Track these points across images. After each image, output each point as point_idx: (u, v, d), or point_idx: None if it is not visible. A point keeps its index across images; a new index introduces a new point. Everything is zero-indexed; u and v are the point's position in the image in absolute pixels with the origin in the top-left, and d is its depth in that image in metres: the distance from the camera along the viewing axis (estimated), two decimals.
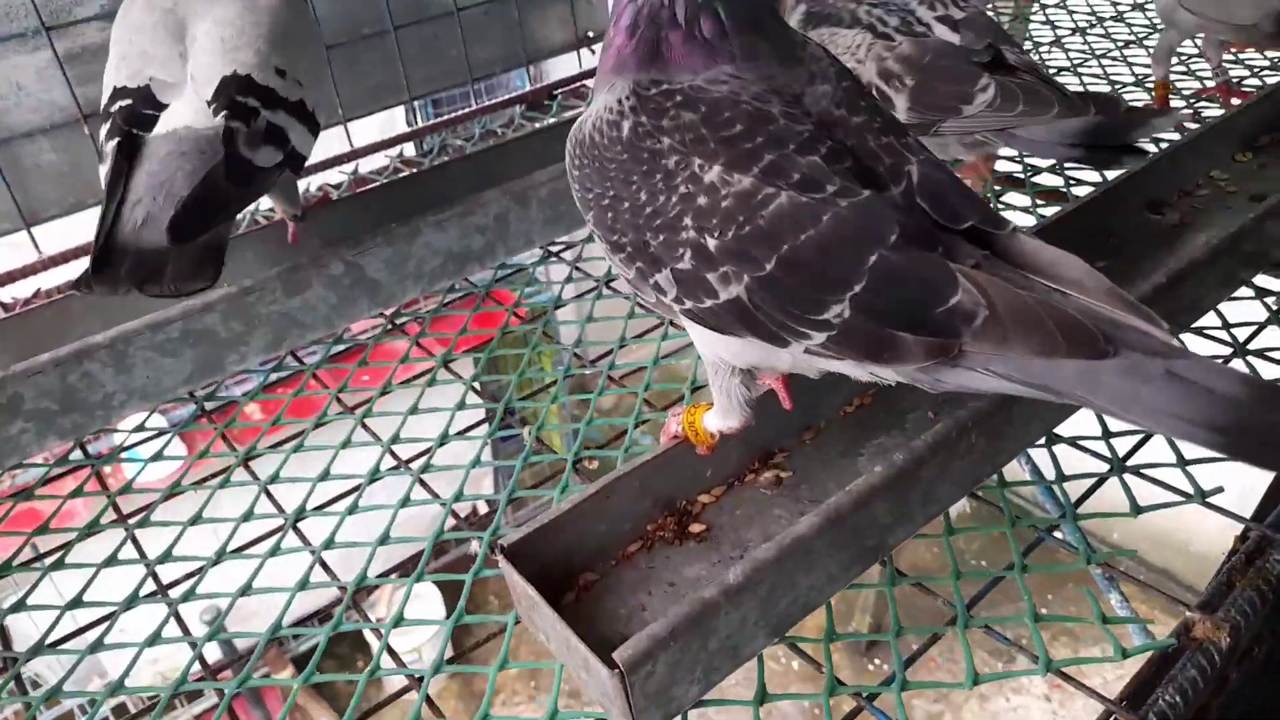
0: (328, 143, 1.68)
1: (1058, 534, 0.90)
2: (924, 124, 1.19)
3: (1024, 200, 1.47)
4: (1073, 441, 1.00)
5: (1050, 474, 0.97)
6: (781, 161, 0.66)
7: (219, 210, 0.98)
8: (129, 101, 1.04)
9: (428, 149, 1.73)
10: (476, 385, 1.16)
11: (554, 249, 1.45)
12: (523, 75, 2.26)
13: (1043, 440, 0.99)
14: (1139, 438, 0.99)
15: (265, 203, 1.50)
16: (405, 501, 1.01)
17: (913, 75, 1.17)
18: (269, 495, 1.03)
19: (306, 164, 1.14)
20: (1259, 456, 0.58)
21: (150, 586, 0.95)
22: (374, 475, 1.05)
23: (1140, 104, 1.73)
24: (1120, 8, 2.25)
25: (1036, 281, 0.65)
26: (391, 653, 0.90)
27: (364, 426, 1.11)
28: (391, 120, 2.07)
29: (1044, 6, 2.30)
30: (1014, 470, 1.05)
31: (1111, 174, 1.42)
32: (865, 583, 0.86)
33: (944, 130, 1.18)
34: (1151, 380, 0.59)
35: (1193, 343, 1.10)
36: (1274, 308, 1.15)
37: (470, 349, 1.34)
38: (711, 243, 0.68)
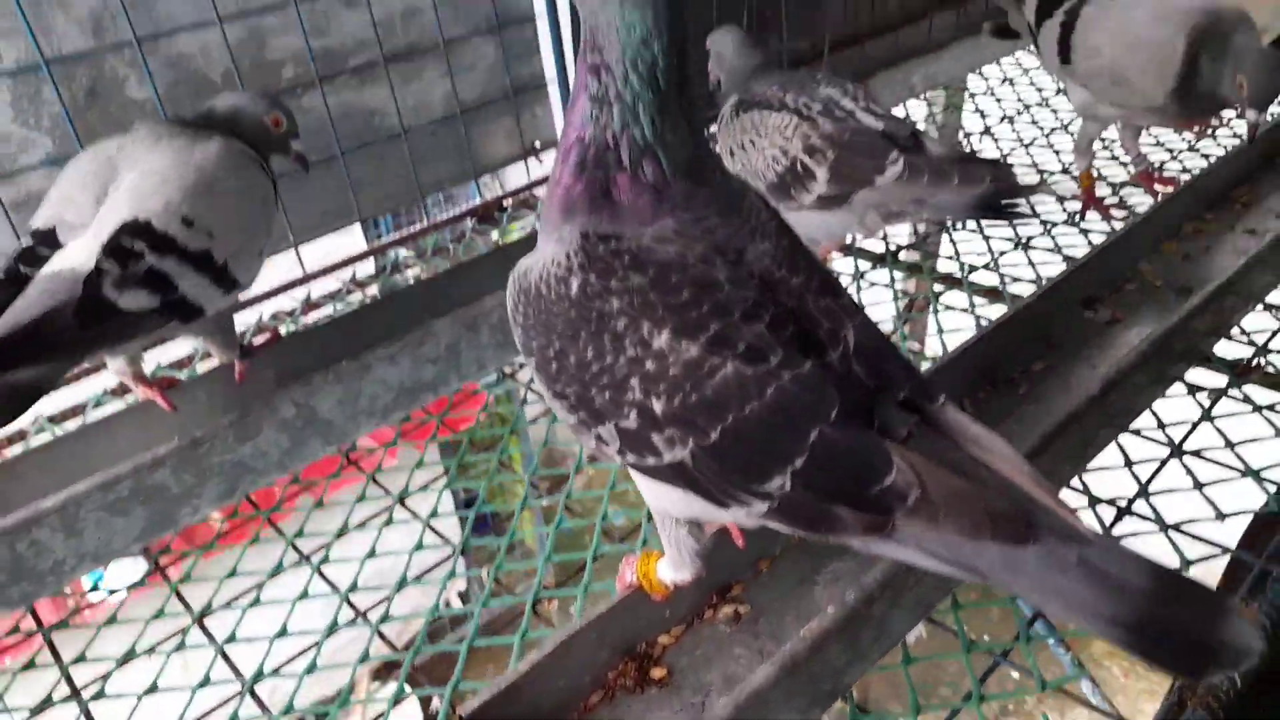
0: (283, 267, 1.70)
1: (1014, 657, 0.91)
2: (841, 194, 1.30)
3: (963, 300, 1.51)
4: None
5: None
6: (727, 331, 0.68)
7: (49, 346, 0.94)
8: (30, 242, 1.03)
9: (380, 266, 1.74)
10: (433, 524, 1.16)
11: (506, 370, 1.46)
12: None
13: None
14: None
15: None
16: (364, 657, 1.00)
17: (833, 150, 1.30)
18: (225, 658, 1.01)
19: (249, 294, 1.12)
20: (1157, 655, 0.59)
21: None
22: (331, 629, 1.04)
23: (1068, 188, 1.81)
24: (1045, 93, 2.35)
25: (965, 455, 0.67)
26: None
27: (320, 575, 1.11)
28: (350, 233, 2.10)
29: (973, 96, 2.40)
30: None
31: (1046, 272, 1.48)
32: None
33: (858, 200, 1.30)
34: (1067, 569, 0.60)
35: (1131, 445, 1.14)
36: (1205, 404, 1.19)
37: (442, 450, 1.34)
38: (658, 406, 0.69)
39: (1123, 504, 1.05)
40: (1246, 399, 1.19)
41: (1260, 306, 1.36)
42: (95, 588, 1.18)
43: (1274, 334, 1.30)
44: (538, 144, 2.08)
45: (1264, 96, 1.29)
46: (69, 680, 1.03)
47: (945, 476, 0.63)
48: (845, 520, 0.65)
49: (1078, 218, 1.69)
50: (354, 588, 1.08)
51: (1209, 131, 2.03)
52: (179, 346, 1.59)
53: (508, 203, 1.97)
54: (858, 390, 0.69)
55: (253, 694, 0.97)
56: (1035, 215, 1.44)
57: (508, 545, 1.13)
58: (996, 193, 1.24)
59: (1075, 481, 1.09)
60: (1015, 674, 0.90)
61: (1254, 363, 1.25)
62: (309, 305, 1.64)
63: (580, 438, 0.77)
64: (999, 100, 2.35)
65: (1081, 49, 1.54)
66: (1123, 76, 1.48)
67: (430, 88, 1.88)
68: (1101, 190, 1.80)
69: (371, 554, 1.13)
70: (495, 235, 1.91)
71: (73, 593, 1.17)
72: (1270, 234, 1.38)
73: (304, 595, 1.09)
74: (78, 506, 1.08)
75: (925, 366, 1.18)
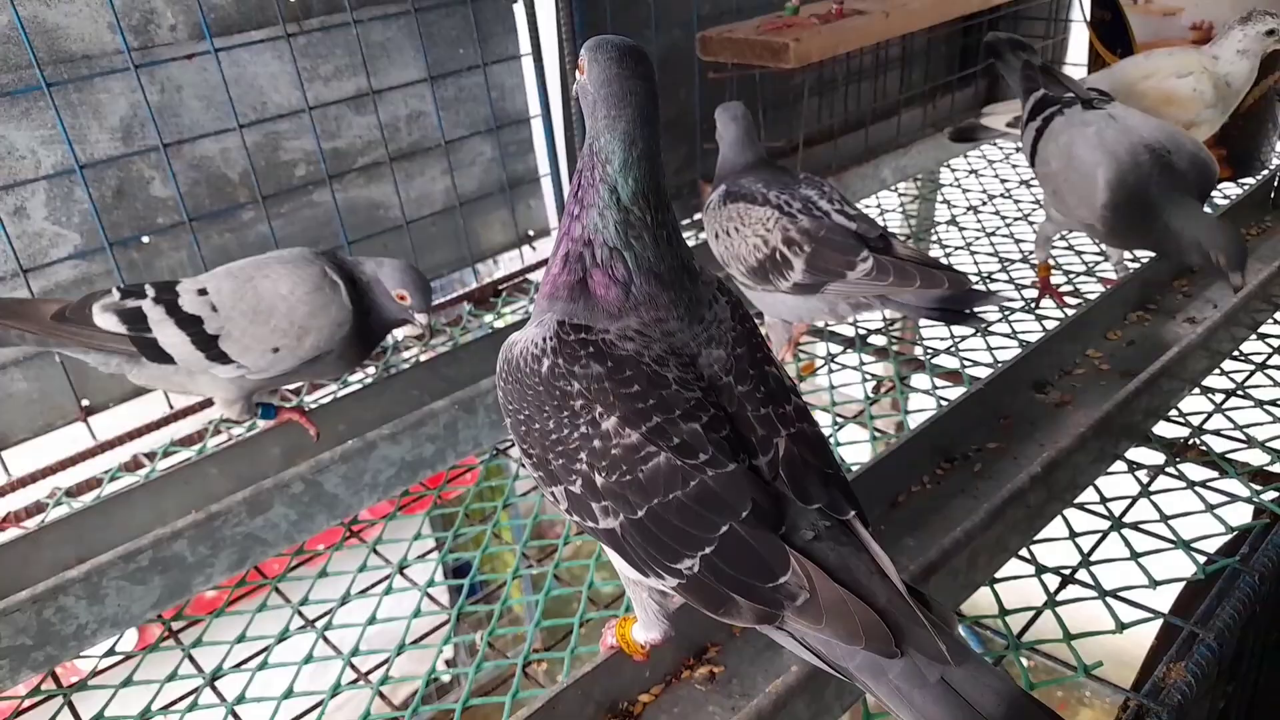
0: None
1: None
2: (815, 284, 1.43)
3: (925, 382, 1.63)
4: (975, 620, 1.11)
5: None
6: (666, 425, 0.78)
7: (29, 319, 1.32)
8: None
9: (381, 348, 1.85)
10: (431, 591, 1.24)
11: (500, 447, 1.56)
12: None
13: None
14: (1030, 615, 1.10)
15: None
16: (366, 716, 1.07)
17: (809, 244, 1.42)
18: (235, 717, 1.09)
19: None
20: None
21: None
22: (335, 690, 1.11)
23: (1028, 275, 1.93)
24: (1008, 185, 2.51)
25: (864, 565, 0.76)
26: None
27: (325, 640, 1.18)
28: None
29: (940, 187, 2.56)
30: None
31: (1003, 356, 1.59)
32: None
33: (830, 290, 1.42)
34: (925, 686, 0.69)
35: (1075, 518, 1.24)
36: (1144, 480, 1.29)
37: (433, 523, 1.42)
38: (599, 479, 0.79)
39: (1066, 572, 1.14)
40: (1181, 476, 1.29)
41: (1196, 390, 1.48)
42: (111, 651, 1.25)
43: (1209, 415, 1.41)
44: (531, 233, 2.22)
45: (1239, 261, 1.42)
46: None
47: (833, 586, 0.73)
48: (741, 607, 0.75)
49: (1033, 305, 1.82)
50: (355, 651, 1.16)
51: None
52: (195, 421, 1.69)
53: (502, 288, 2.09)
54: (775, 496, 0.78)
55: None
56: (980, 320, 1.52)
57: (499, 613, 1.21)
58: (952, 297, 1.36)
59: (1024, 552, 1.18)
60: None
61: (1190, 442, 1.36)
62: (313, 384, 1.74)
63: (541, 491, 0.87)
64: (965, 191, 2.51)
65: (1040, 156, 1.67)
66: (1061, 192, 1.61)
67: (432, 183, 2.03)
68: (1057, 278, 1.93)
69: (372, 620, 1.21)
70: (489, 318, 2.02)
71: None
72: (1207, 322, 1.50)
73: (309, 659, 1.16)
74: (101, 575, 1.16)
75: (891, 444, 1.28)
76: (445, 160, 2.02)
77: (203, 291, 1.33)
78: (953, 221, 2.31)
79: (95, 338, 1.30)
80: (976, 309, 1.38)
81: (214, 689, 1.14)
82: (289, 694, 1.11)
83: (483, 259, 2.16)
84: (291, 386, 1.71)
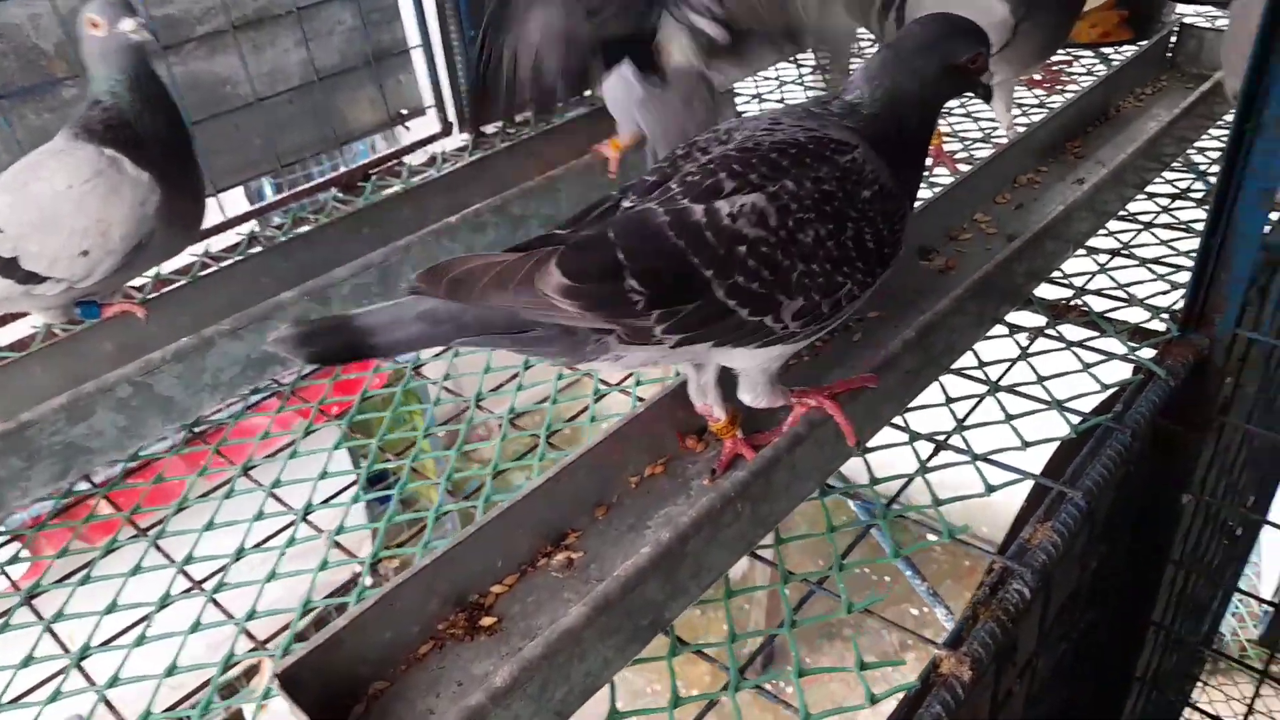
0: None
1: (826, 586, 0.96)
2: None
3: None
4: (844, 492, 1.07)
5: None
6: None
7: None
8: None
9: (234, 243, 1.70)
10: (275, 491, 1.15)
11: None
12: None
13: (816, 493, 1.06)
14: (900, 484, 1.07)
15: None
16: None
17: None
18: (53, 635, 1.00)
19: None
20: None
21: None
22: (228, 661, 0.97)
23: None
24: None
25: None
26: None
27: (215, 604, 1.04)
28: (232, 199, 2.04)
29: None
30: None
31: None
32: (648, 656, 0.89)
33: None
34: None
35: (953, 384, 1.20)
36: (1024, 344, 1.25)
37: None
38: None
39: (940, 439, 1.11)
40: (1061, 337, 1.25)
41: (1082, 251, 1.44)
42: None
43: (1092, 276, 1.37)
44: (404, 111, 2.06)
45: None
46: None
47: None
48: None
49: (926, 173, 1.75)
50: (252, 614, 1.01)
51: (1059, 89, 2.12)
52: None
53: (373, 173, 1.94)
54: None
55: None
56: None
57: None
58: None
59: (898, 420, 1.14)
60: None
61: (1071, 303, 1.32)
62: (160, 281, 1.60)
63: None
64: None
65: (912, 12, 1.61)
66: None
67: (285, 55, 1.85)
68: (952, 145, 1.87)
69: (272, 576, 1.05)
70: (361, 204, 1.88)
71: None
72: (1093, 179, 1.45)
73: (196, 627, 1.01)
74: None
75: None
76: (299, 29, 1.84)
77: None
78: None
79: None
80: None
81: (81, 670, 0.99)
82: (172, 671, 0.97)
83: (350, 140, 2.00)
84: (136, 282, 1.56)
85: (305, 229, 1.64)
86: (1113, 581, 1.31)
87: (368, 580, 1.02)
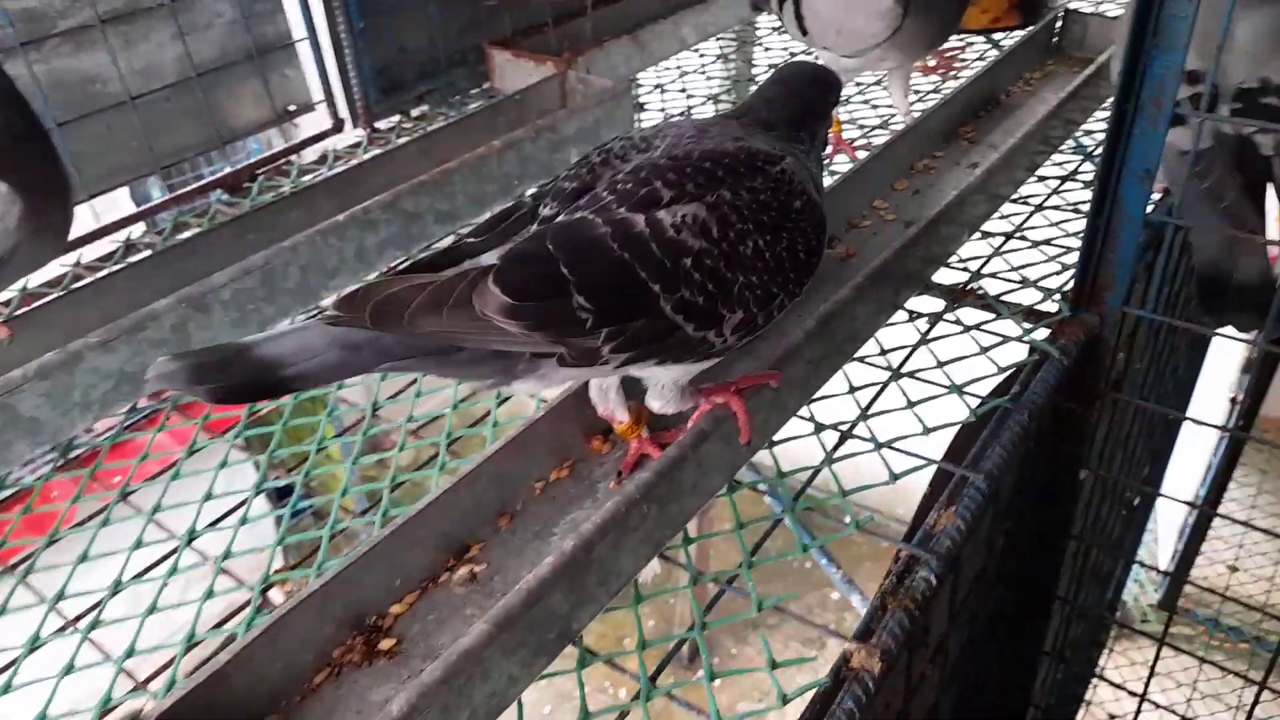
0: None
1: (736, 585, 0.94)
2: None
3: None
4: (752, 486, 1.06)
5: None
6: None
7: None
8: None
9: (110, 251, 1.60)
10: (158, 519, 1.08)
11: None
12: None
13: (724, 490, 1.04)
14: (807, 475, 1.06)
15: None
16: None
17: None
18: None
19: None
20: None
21: None
22: (106, 704, 0.90)
23: None
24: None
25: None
26: None
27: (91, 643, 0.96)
28: (114, 203, 1.92)
29: (745, 46, 2.45)
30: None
31: None
32: (558, 670, 0.86)
33: None
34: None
35: (856, 372, 1.20)
36: (923, 329, 1.26)
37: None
38: None
39: (844, 428, 1.11)
40: (959, 321, 1.27)
41: (978, 235, 1.46)
42: None
43: (987, 259, 1.39)
44: (292, 108, 1.97)
45: None
46: None
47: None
48: None
49: (826, 161, 1.76)
50: (131, 652, 0.94)
51: (954, 74, 2.15)
52: None
53: (259, 173, 1.86)
54: None
55: None
56: None
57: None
58: None
59: (804, 410, 1.14)
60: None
61: (968, 287, 1.34)
62: (27, 297, 1.49)
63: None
64: (767, 50, 2.41)
65: (809, 15, 1.61)
66: (844, 27, 1.55)
67: (159, 50, 1.75)
68: (850, 133, 1.88)
69: (153, 609, 0.98)
70: (248, 206, 1.79)
71: None
72: (985, 164, 1.47)
73: (70, 669, 0.94)
74: None
75: None
76: (174, 23, 1.74)
77: None
78: (752, 80, 2.22)
79: None
80: None
81: None
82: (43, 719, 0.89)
83: (235, 139, 1.90)
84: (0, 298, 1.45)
85: (187, 234, 1.55)
86: (1018, 559, 1.33)
87: (259, 607, 0.96)
